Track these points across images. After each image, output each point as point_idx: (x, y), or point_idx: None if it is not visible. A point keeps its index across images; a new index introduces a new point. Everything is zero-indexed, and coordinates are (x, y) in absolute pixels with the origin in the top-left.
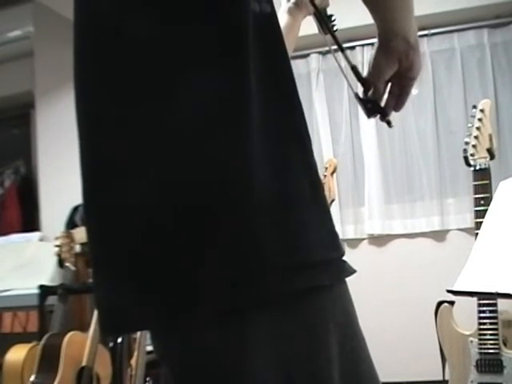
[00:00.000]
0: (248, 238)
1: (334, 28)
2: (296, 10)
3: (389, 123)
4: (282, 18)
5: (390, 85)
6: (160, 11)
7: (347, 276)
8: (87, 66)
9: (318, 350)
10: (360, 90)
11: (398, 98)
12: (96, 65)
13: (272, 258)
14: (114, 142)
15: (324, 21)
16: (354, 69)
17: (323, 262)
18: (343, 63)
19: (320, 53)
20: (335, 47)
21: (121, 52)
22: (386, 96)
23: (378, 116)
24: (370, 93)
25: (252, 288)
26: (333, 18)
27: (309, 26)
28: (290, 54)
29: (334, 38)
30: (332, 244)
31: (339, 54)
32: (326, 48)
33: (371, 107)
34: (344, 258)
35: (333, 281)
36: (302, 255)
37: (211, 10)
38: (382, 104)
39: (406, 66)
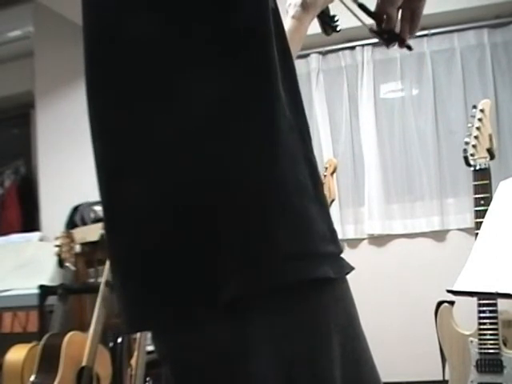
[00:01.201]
0: (247, 238)
1: (338, 28)
2: (303, 13)
3: (409, 47)
4: (287, 23)
5: (400, 12)
6: (160, 12)
7: (347, 272)
8: (92, 67)
9: (320, 350)
10: (373, 24)
11: (412, 22)
12: (99, 66)
13: (272, 255)
14: (115, 143)
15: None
16: (362, 6)
17: (326, 254)
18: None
19: (320, 53)
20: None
21: (121, 53)
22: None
23: (397, 44)
24: (384, 24)
25: (252, 288)
26: (336, 19)
27: (309, 27)
28: (295, 56)
29: None
30: (332, 240)
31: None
32: (326, 48)
33: (388, 37)
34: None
35: (335, 274)
36: (305, 246)
37: (211, 11)
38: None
39: None
